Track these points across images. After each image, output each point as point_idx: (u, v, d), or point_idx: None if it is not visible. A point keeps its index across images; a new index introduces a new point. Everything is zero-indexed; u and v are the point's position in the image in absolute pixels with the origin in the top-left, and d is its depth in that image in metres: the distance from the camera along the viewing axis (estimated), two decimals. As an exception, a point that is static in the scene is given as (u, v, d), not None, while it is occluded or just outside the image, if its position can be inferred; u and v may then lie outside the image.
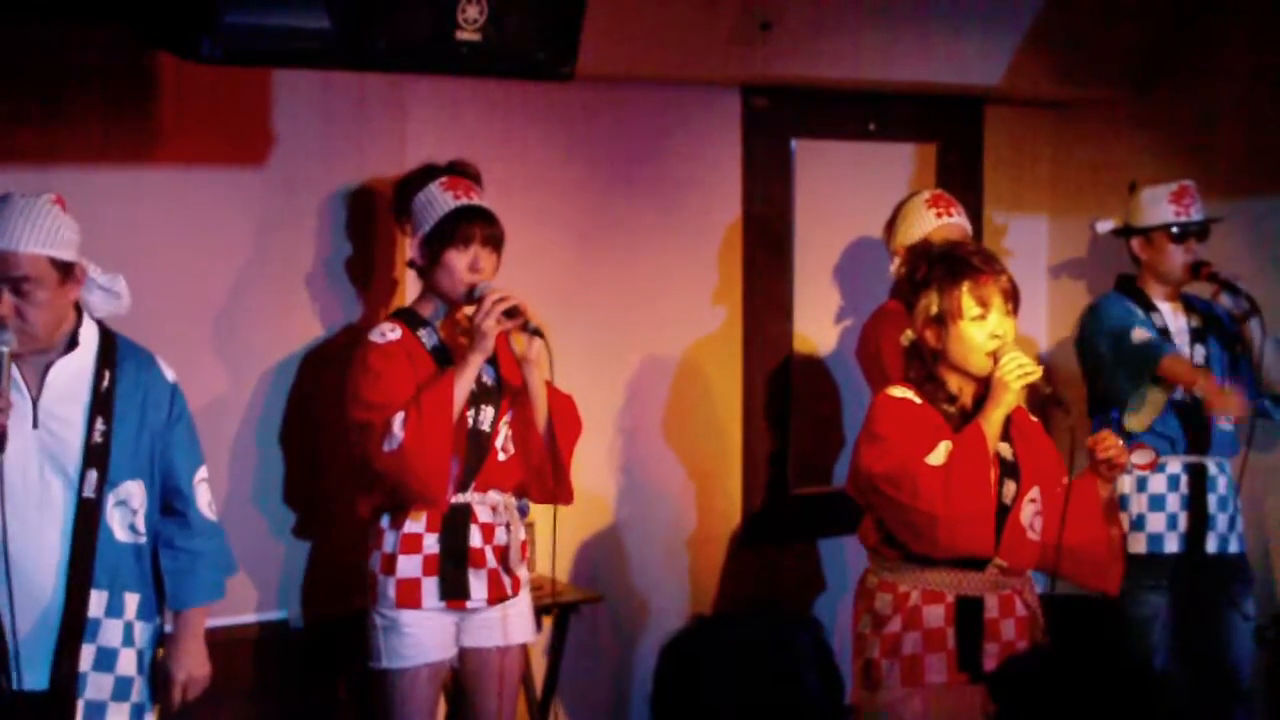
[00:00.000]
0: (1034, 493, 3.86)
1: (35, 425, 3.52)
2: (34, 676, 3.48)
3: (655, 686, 2.23)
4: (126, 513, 3.59)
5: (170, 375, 3.70)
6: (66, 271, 3.50)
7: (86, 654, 3.54)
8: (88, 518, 3.52)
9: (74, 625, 3.51)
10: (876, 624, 3.87)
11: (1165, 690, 4.65)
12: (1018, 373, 3.75)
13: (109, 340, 3.63)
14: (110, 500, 3.56)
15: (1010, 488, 3.82)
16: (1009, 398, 3.77)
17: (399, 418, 3.88)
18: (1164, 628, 4.92)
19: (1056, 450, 4.03)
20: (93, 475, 3.53)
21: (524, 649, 4.23)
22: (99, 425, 3.54)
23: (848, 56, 5.16)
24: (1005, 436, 3.86)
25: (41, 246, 3.44)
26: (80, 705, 3.54)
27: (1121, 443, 3.86)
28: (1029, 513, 3.85)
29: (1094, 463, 3.86)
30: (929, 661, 3.80)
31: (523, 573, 4.16)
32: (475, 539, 4.04)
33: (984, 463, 3.73)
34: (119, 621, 3.59)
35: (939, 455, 3.74)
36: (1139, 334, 4.85)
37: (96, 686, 3.56)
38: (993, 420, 3.76)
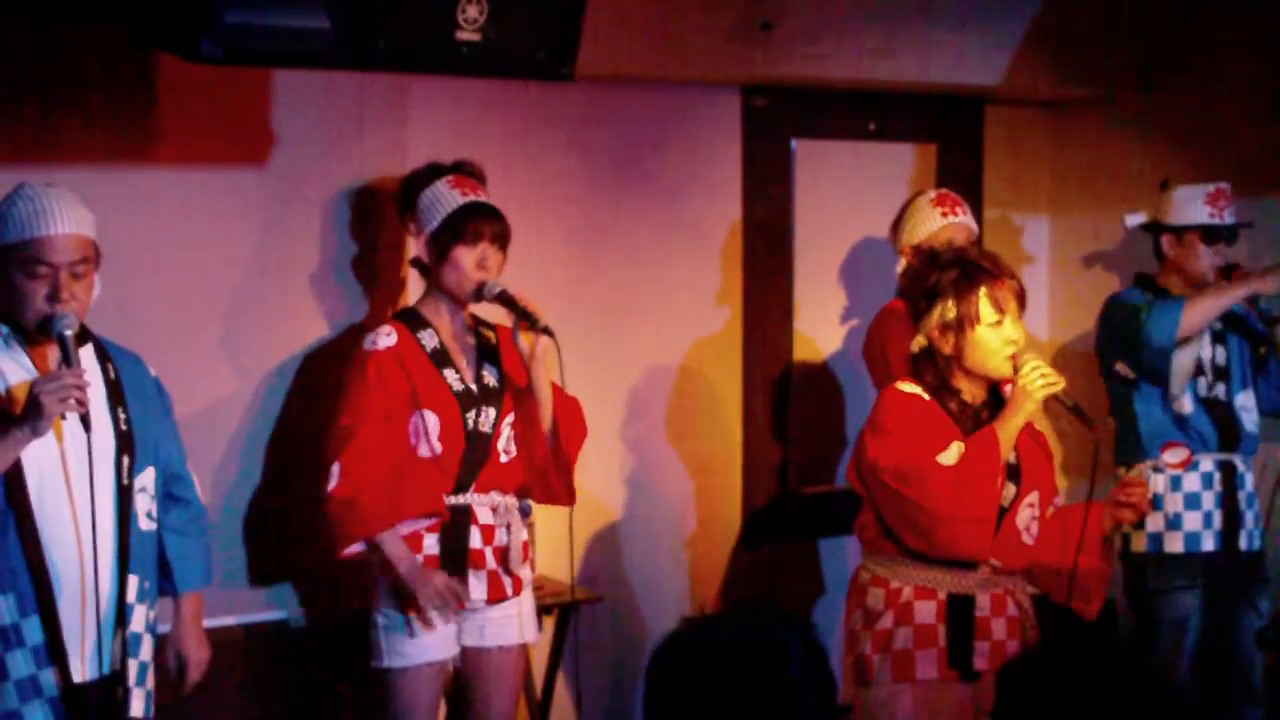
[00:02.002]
0: (1032, 497, 3.86)
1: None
2: (97, 667, 3.47)
3: (647, 688, 2.23)
4: (146, 499, 3.61)
5: (152, 371, 3.72)
6: (98, 252, 3.51)
7: (124, 639, 3.53)
8: (126, 504, 3.53)
9: (120, 612, 3.51)
10: (868, 620, 3.87)
11: (1170, 692, 4.65)
12: (1041, 382, 3.73)
13: (93, 336, 3.63)
14: (136, 486, 3.57)
15: (1010, 490, 3.83)
16: (1030, 407, 3.76)
17: (335, 468, 3.92)
18: (1196, 629, 4.89)
19: (1053, 462, 4.03)
20: (126, 461, 3.53)
21: (525, 649, 4.23)
22: (120, 413, 3.55)
23: (848, 56, 5.16)
24: None
25: (85, 228, 3.46)
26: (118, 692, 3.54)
27: (1149, 494, 3.91)
28: (1025, 516, 3.85)
29: (1115, 501, 3.87)
30: (920, 657, 3.80)
31: (525, 573, 4.16)
32: (475, 540, 4.04)
33: (995, 468, 3.73)
34: (144, 607, 3.59)
35: (951, 455, 3.74)
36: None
37: (130, 672, 3.56)
38: (1010, 427, 3.75)
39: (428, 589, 3.93)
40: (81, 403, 3.31)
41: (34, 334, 3.45)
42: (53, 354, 3.43)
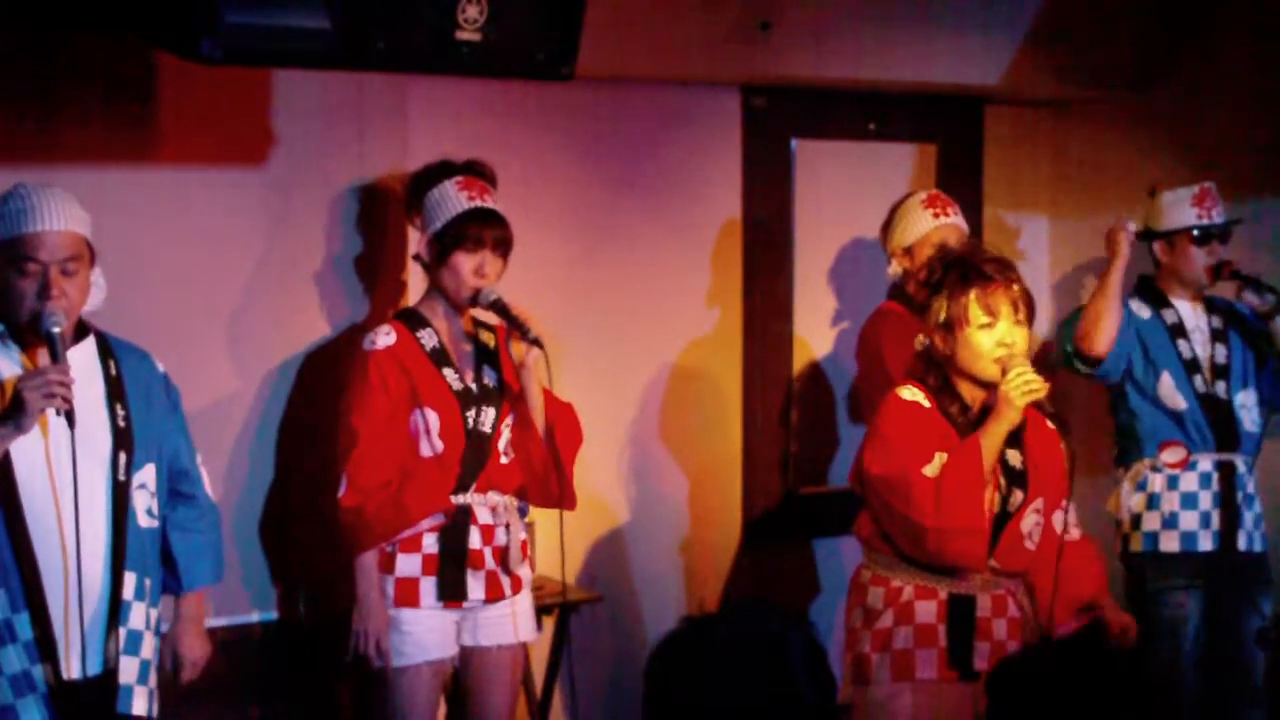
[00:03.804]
0: (1038, 504, 3.86)
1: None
2: (83, 665, 3.46)
3: (647, 688, 2.23)
4: (146, 496, 3.61)
5: (160, 366, 3.72)
6: (92, 251, 3.52)
7: (119, 636, 3.54)
8: (121, 501, 3.53)
9: (115, 610, 3.51)
10: (868, 618, 3.88)
11: (1166, 693, 4.65)
12: (1023, 389, 3.72)
13: (97, 332, 3.64)
14: (135, 483, 3.57)
15: (1017, 496, 3.82)
16: (1012, 414, 3.75)
17: (344, 476, 3.95)
18: (1195, 629, 4.89)
19: (1064, 467, 4.02)
20: (123, 458, 3.54)
21: (524, 648, 4.24)
22: (119, 410, 3.55)
23: (848, 56, 5.16)
24: (1017, 444, 3.85)
25: (77, 225, 3.47)
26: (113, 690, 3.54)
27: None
28: (1030, 522, 3.84)
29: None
30: (919, 657, 3.81)
31: (524, 572, 4.16)
32: (475, 540, 4.05)
33: (978, 478, 3.72)
34: (144, 605, 3.59)
35: (934, 467, 3.74)
36: None
37: (127, 670, 3.55)
38: (993, 435, 3.75)
39: (361, 633, 4.00)
40: (65, 399, 3.32)
41: (26, 332, 3.46)
42: (44, 352, 3.44)
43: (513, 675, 4.18)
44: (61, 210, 3.44)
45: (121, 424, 3.55)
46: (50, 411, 3.36)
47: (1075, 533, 3.99)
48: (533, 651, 4.48)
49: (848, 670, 3.91)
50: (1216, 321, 4.99)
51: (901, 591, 3.84)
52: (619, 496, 5.19)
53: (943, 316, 3.80)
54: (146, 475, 3.61)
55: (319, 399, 4.37)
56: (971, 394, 3.85)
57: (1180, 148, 5.53)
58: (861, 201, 5.47)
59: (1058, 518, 3.93)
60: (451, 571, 4.02)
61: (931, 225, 4.73)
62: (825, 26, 5.08)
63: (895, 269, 4.81)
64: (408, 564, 4.02)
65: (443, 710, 4.31)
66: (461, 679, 4.17)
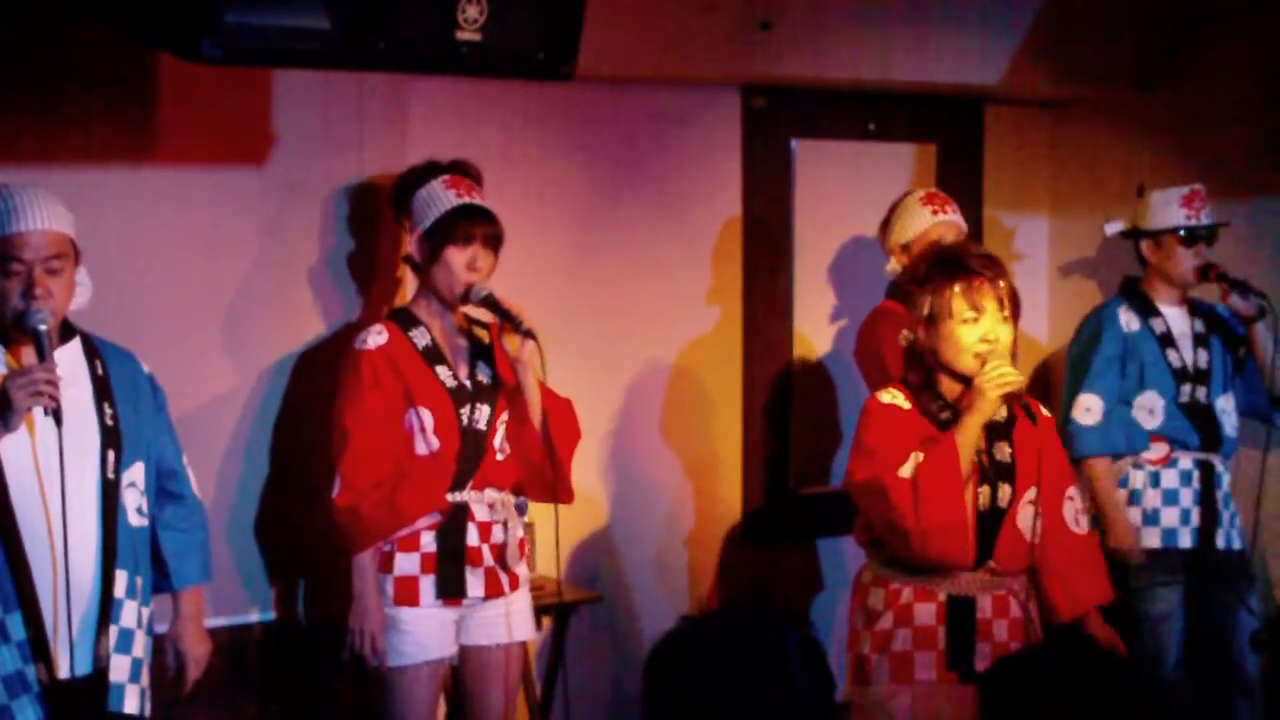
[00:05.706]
0: (1030, 494, 3.85)
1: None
2: (73, 663, 3.46)
3: (645, 687, 2.23)
4: (136, 495, 3.61)
5: (145, 367, 3.72)
6: (76, 250, 3.52)
7: (111, 635, 3.54)
8: (111, 499, 3.53)
9: (105, 608, 3.51)
10: (869, 619, 3.88)
11: (1165, 691, 4.65)
12: (997, 381, 3.72)
13: (82, 333, 3.64)
14: (124, 481, 3.57)
15: (1005, 491, 3.81)
16: (985, 406, 3.74)
17: (337, 475, 3.95)
18: (1178, 625, 4.91)
19: (1064, 451, 4.01)
20: (111, 456, 3.54)
21: (524, 646, 4.24)
22: (107, 409, 3.55)
23: (848, 56, 5.16)
24: (1006, 436, 3.85)
25: (61, 224, 3.47)
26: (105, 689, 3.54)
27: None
28: (1028, 515, 3.83)
29: None
30: (918, 659, 3.81)
31: (522, 570, 4.17)
32: (472, 537, 4.05)
33: (954, 475, 3.71)
34: (135, 603, 3.59)
35: (909, 468, 3.74)
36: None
37: (118, 669, 3.55)
38: (967, 429, 3.74)
39: (357, 631, 4.00)
40: (53, 398, 3.32)
41: (11, 331, 3.46)
42: (29, 350, 3.44)
43: (512, 674, 4.19)
44: (45, 209, 3.44)
45: (109, 423, 3.55)
46: (38, 411, 3.36)
47: (1084, 522, 3.98)
48: (532, 651, 4.48)
49: (850, 670, 3.92)
50: (1199, 326, 5.01)
51: (901, 593, 3.84)
52: (619, 495, 5.19)
53: (926, 310, 3.81)
54: (136, 473, 3.61)
55: (316, 398, 4.37)
56: (952, 390, 3.84)
57: (1180, 148, 5.53)
58: (861, 201, 5.47)
59: (1068, 508, 3.92)
60: (450, 569, 4.02)
61: (930, 222, 4.73)
62: (825, 26, 5.08)
63: (894, 266, 4.81)
64: (406, 563, 4.02)
65: (443, 710, 4.32)
66: (461, 678, 4.18)
